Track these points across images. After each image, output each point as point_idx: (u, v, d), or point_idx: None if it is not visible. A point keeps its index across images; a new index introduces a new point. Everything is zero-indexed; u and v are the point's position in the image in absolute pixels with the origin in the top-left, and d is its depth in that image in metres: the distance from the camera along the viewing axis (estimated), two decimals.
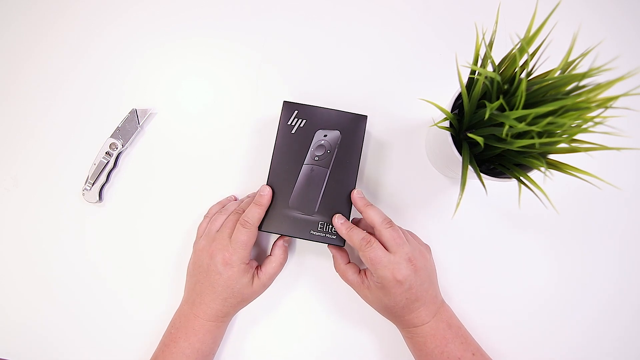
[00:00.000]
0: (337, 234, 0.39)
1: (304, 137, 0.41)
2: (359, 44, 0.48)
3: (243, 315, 0.43)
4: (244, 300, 0.40)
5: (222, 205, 0.44)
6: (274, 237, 0.44)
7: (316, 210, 0.39)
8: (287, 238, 0.43)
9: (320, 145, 0.40)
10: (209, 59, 0.49)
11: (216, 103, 0.48)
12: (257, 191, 0.39)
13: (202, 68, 0.49)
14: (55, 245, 0.46)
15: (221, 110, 0.48)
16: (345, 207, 0.39)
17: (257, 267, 0.41)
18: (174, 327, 0.39)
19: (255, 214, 0.38)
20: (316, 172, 0.40)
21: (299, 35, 0.49)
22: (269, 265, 0.41)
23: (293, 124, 0.41)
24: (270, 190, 0.39)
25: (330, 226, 0.39)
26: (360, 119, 0.41)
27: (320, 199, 0.40)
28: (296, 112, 0.41)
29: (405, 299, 0.35)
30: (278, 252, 0.41)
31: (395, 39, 0.48)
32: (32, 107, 0.48)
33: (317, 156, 0.40)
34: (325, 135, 0.41)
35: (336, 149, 0.40)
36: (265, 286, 0.41)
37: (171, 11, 0.50)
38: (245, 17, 0.49)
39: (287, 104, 0.41)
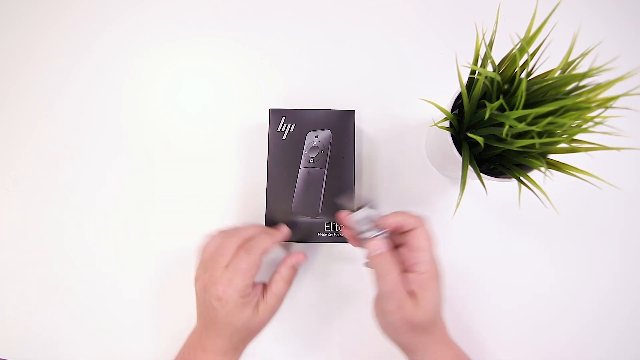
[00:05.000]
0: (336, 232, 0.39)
1: (296, 141, 0.41)
2: (359, 44, 0.48)
3: None
4: (251, 332, 0.35)
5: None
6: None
7: (320, 211, 0.40)
8: (298, 260, 0.38)
9: (314, 147, 0.41)
10: (209, 59, 0.49)
11: (216, 103, 0.48)
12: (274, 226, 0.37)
13: (202, 68, 0.49)
14: (56, 245, 0.46)
15: (221, 110, 0.48)
16: (348, 200, 0.40)
17: (262, 290, 0.36)
18: (183, 359, 0.35)
19: (264, 242, 0.34)
20: (313, 174, 0.40)
21: (299, 35, 0.49)
22: (275, 285, 0.36)
23: (283, 130, 0.41)
24: (289, 232, 0.38)
25: (336, 225, 0.39)
26: (349, 114, 0.41)
27: (322, 199, 0.40)
28: (284, 117, 0.41)
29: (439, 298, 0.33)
30: (285, 271, 0.36)
31: (395, 39, 0.48)
32: (32, 107, 0.48)
33: (311, 158, 0.40)
34: (316, 136, 0.41)
35: (329, 148, 0.41)
36: (273, 309, 0.35)
37: (171, 12, 0.50)
38: (246, 17, 0.49)
39: (273, 111, 0.41)
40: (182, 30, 0.49)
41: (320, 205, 0.40)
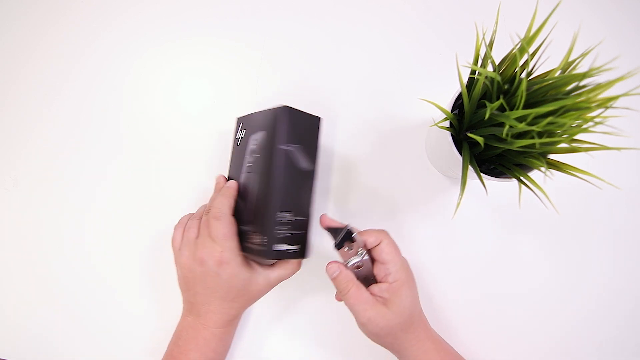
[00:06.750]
0: (261, 245, 0.34)
1: (244, 147, 0.39)
2: (360, 44, 0.48)
3: (253, 319, 0.43)
4: (251, 297, 0.38)
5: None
6: None
7: (252, 219, 0.36)
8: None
9: (251, 150, 0.38)
10: (209, 59, 0.49)
11: (216, 103, 0.48)
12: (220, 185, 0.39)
13: (202, 68, 0.49)
14: (55, 245, 0.46)
15: (221, 110, 0.48)
16: (267, 208, 0.34)
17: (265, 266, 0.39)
18: (181, 339, 0.37)
19: (224, 202, 0.37)
20: (250, 180, 0.37)
21: (299, 35, 0.49)
22: (283, 271, 0.38)
23: (238, 136, 0.39)
24: (236, 184, 0.38)
25: (260, 237, 0.34)
26: (278, 111, 0.36)
27: (254, 207, 0.36)
28: (241, 124, 0.40)
29: (415, 300, 0.36)
30: (295, 263, 0.39)
31: (396, 39, 0.48)
32: (32, 107, 0.48)
33: (250, 163, 0.38)
34: (255, 140, 0.38)
35: (262, 150, 0.37)
36: (271, 286, 0.39)
37: (171, 12, 0.50)
38: (246, 17, 0.49)
39: (237, 119, 0.40)
40: (182, 30, 0.49)
41: (253, 213, 0.36)
